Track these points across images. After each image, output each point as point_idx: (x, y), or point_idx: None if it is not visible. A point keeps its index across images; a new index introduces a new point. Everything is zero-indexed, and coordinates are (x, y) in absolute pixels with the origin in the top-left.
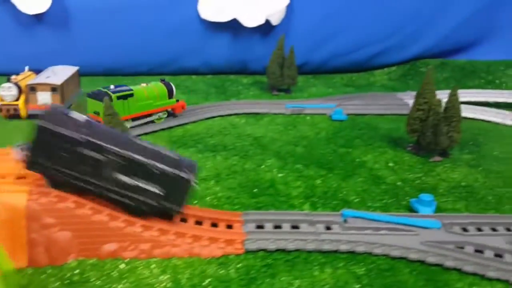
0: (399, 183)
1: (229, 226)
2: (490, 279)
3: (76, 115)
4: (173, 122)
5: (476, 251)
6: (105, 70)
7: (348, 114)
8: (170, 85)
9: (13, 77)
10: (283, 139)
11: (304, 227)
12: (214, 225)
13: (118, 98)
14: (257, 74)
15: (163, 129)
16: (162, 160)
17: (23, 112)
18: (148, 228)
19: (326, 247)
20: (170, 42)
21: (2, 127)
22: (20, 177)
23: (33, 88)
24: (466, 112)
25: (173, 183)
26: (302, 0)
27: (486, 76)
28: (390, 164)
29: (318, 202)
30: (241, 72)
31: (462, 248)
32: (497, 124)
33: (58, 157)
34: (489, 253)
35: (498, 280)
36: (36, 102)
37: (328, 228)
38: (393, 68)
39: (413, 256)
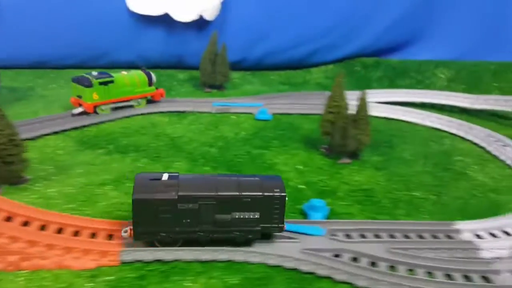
0: (301, 186)
1: (110, 236)
2: None
3: (158, 175)
4: (87, 120)
5: (353, 259)
6: (32, 63)
7: (274, 114)
8: (150, 74)
9: None
10: (200, 140)
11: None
12: (94, 235)
13: (100, 83)
14: (194, 69)
15: (75, 128)
16: (249, 186)
17: None
18: (16, 240)
19: (205, 257)
20: (101, 35)
21: None
22: None
23: None
24: (388, 113)
25: (266, 204)
26: None
27: (416, 76)
28: (299, 167)
29: None
30: (177, 66)
31: (338, 255)
32: (416, 124)
33: (160, 220)
34: (364, 262)
35: None
36: None
37: None
38: (330, 66)
39: (288, 264)
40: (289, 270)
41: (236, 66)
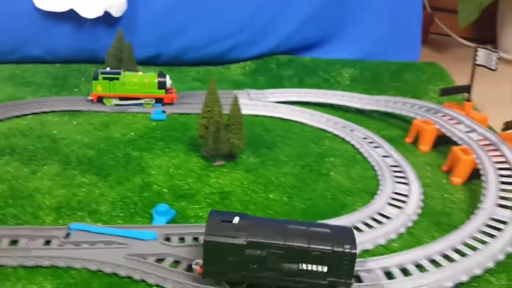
0: (164, 190)
1: None
2: None
3: (230, 216)
4: None
5: (176, 261)
6: None
7: (172, 113)
8: (164, 77)
9: None
10: (83, 141)
11: (23, 242)
12: None
13: (104, 78)
14: None
15: None
16: (318, 238)
17: None
18: None
19: (29, 263)
20: (10, 31)
21: None
22: None
23: None
24: (284, 113)
25: (335, 259)
26: None
27: (324, 75)
28: (171, 170)
29: (65, 214)
30: (90, 60)
31: (163, 259)
32: (305, 125)
33: (227, 263)
34: (183, 265)
35: None
36: None
37: (48, 242)
38: (248, 62)
39: (107, 269)
40: (109, 275)
41: (151, 61)
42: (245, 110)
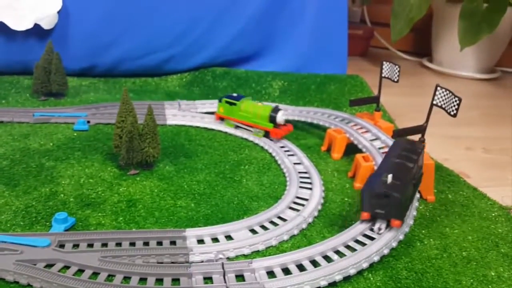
0: (71, 199)
1: None
2: None
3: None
4: None
5: (65, 267)
6: None
7: (97, 124)
8: (277, 112)
9: None
10: (0, 152)
11: None
12: None
13: (226, 102)
14: None
15: None
16: None
17: None
18: None
19: None
20: None
21: None
22: None
23: None
24: (206, 123)
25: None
26: (76, 5)
27: (256, 86)
28: (83, 179)
29: None
30: (23, 72)
31: (52, 265)
32: (230, 135)
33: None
34: (72, 270)
35: None
36: None
37: None
38: (185, 74)
39: (9, 277)
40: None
41: (86, 73)
42: (173, 121)
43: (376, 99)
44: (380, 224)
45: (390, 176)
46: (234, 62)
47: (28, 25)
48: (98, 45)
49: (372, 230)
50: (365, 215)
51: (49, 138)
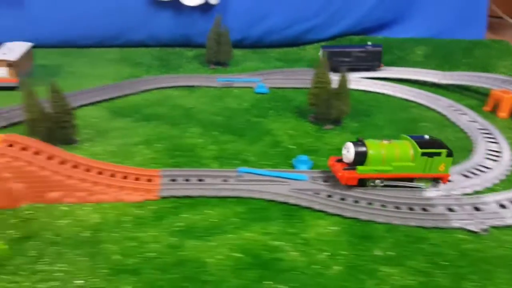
0: (292, 146)
1: (149, 180)
2: (330, 215)
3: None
4: (114, 93)
5: (328, 196)
6: (57, 43)
7: (271, 88)
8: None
9: None
10: (209, 110)
11: (207, 180)
12: (137, 179)
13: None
14: (201, 47)
15: (105, 100)
16: None
17: None
18: (84, 181)
19: (221, 194)
20: (117, 18)
21: None
22: None
23: None
24: (367, 86)
25: None
26: None
27: (398, 53)
28: (290, 131)
29: (225, 162)
30: (185, 44)
31: (318, 194)
32: (390, 96)
33: None
34: (335, 197)
35: (336, 215)
36: None
37: (225, 180)
38: (322, 43)
39: (279, 199)
40: (280, 203)
41: (239, 44)
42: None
43: None
44: None
45: None
46: (371, 30)
47: (200, 1)
48: (251, 18)
49: None
50: None
51: (240, 99)
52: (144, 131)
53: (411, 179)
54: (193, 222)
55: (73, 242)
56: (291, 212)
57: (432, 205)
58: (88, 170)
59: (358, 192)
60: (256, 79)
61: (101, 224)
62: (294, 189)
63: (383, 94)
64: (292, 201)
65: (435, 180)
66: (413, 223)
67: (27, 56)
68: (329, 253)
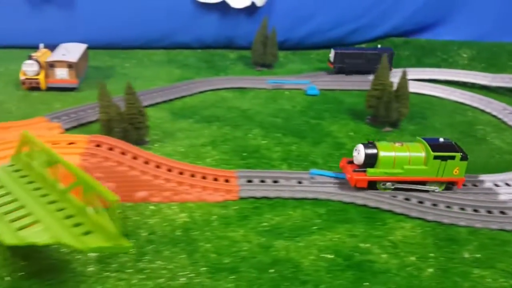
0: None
1: (227, 181)
2: (412, 218)
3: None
4: (172, 95)
5: (405, 199)
6: (105, 45)
7: (320, 90)
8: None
9: (33, 54)
10: (265, 112)
11: (282, 181)
12: (216, 179)
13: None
14: (242, 49)
15: (164, 101)
16: None
17: (43, 85)
18: (169, 181)
19: (298, 195)
20: (163, 20)
21: (25, 97)
22: (70, 143)
23: (52, 65)
24: (420, 89)
25: None
26: None
27: (442, 55)
28: (350, 133)
29: (293, 163)
30: (227, 46)
31: (395, 196)
32: (442, 99)
33: None
34: (414, 200)
35: (418, 218)
36: (54, 77)
37: (299, 182)
38: (364, 45)
39: (359, 201)
40: (359, 205)
41: (279, 46)
42: None
43: None
44: None
45: None
46: (412, 32)
47: (247, 2)
48: (295, 20)
49: None
50: None
51: (293, 101)
52: (208, 132)
53: (423, 183)
54: (277, 222)
55: (168, 240)
56: (371, 214)
57: (510, 208)
58: (169, 170)
59: (435, 196)
60: (305, 81)
61: (190, 223)
62: (370, 191)
63: (434, 96)
64: (372, 204)
65: (450, 184)
66: (494, 226)
67: (84, 57)
68: (419, 256)
